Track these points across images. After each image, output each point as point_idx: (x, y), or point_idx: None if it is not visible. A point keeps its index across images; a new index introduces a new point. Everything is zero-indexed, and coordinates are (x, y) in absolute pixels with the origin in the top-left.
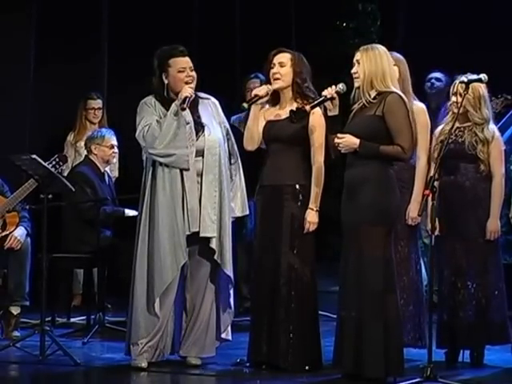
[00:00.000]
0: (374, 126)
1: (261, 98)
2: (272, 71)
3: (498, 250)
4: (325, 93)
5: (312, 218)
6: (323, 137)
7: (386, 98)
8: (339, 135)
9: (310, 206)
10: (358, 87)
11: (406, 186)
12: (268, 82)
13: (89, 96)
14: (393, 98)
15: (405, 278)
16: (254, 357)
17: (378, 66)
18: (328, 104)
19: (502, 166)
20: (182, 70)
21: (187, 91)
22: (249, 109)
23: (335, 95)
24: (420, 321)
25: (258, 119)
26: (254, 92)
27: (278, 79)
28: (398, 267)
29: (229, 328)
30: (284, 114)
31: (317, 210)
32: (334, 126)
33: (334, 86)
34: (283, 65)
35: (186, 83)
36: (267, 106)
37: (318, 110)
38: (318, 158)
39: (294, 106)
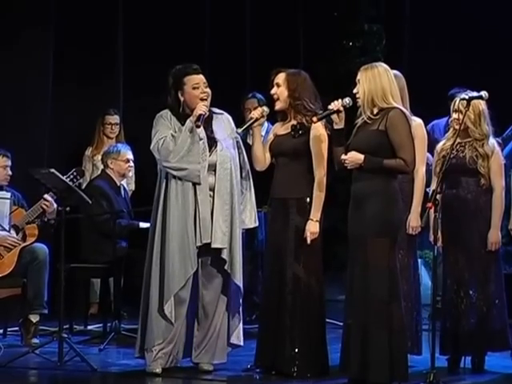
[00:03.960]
0: (378, 141)
1: (256, 120)
2: (270, 93)
3: (499, 261)
4: (331, 106)
5: (312, 228)
6: (325, 149)
7: (388, 114)
8: (343, 156)
9: (311, 216)
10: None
11: (405, 198)
12: (272, 102)
13: (107, 112)
14: (395, 114)
15: (405, 287)
16: (260, 363)
17: (378, 84)
18: (334, 117)
19: (502, 179)
20: (197, 86)
21: (201, 109)
22: (245, 133)
23: (341, 109)
24: (417, 329)
25: (261, 141)
26: (250, 115)
27: (277, 100)
28: None
29: (240, 333)
30: (288, 129)
31: (317, 221)
32: (339, 138)
33: (340, 100)
34: (279, 85)
35: (201, 99)
36: (267, 126)
37: (319, 124)
38: (320, 170)
39: (295, 122)
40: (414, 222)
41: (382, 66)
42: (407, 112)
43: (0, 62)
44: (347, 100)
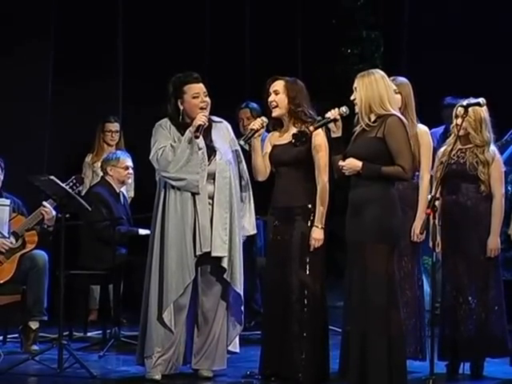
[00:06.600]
0: (376, 148)
1: (257, 131)
2: (268, 100)
3: (498, 267)
4: (328, 115)
5: (317, 235)
6: (326, 157)
7: (386, 121)
8: (341, 163)
9: (316, 223)
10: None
11: (409, 205)
12: (268, 110)
13: (107, 119)
14: (393, 121)
15: (408, 293)
16: (265, 370)
17: (375, 91)
18: (331, 126)
19: (502, 186)
20: (197, 95)
21: (201, 119)
22: (248, 144)
23: (338, 117)
24: (421, 334)
25: (260, 152)
26: (250, 127)
27: (275, 107)
28: (401, 282)
29: (236, 341)
30: (287, 137)
31: (322, 228)
32: (337, 147)
33: (337, 109)
34: (277, 92)
35: (201, 108)
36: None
37: (320, 131)
38: (323, 177)
39: (295, 130)
40: (419, 229)
41: (379, 73)
42: (404, 119)
43: (0, 69)
44: (344, 108)
